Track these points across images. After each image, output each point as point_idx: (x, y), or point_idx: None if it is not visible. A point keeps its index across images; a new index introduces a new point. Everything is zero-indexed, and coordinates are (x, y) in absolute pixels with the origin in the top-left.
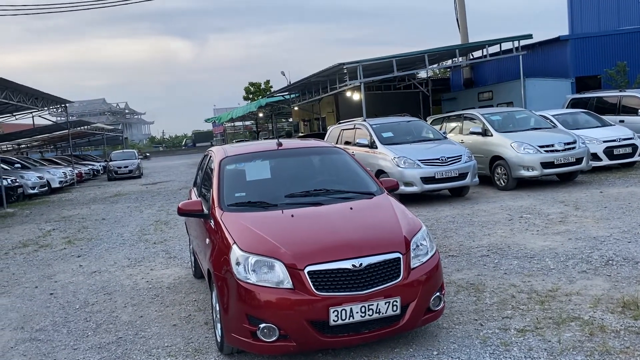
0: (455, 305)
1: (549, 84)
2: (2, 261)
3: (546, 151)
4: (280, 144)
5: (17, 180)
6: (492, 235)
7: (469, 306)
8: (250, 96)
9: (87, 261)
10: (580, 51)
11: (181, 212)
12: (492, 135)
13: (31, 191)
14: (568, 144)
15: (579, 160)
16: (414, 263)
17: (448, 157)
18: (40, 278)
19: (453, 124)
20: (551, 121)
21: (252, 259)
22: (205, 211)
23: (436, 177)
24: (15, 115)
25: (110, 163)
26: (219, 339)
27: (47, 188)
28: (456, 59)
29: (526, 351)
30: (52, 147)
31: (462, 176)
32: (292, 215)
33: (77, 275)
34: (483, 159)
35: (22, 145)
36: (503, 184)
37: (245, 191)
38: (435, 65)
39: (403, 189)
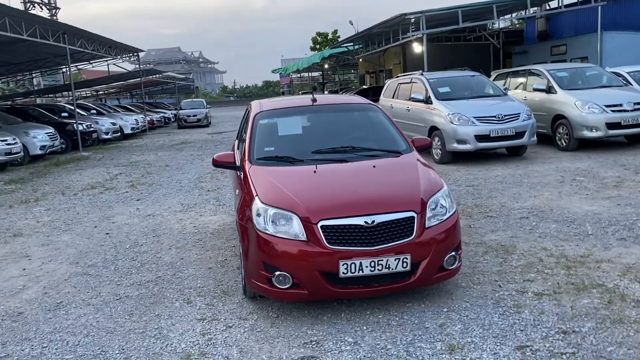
0: (480, 265)
1: (631, 38)
2: (70, 201)
3: (613, 111)
4: (314, 100)
5: (92, 126)
6: (537, 197)
7: (493, 267)
8: (318, 46)
9: (144, 205)
10: None
11: (215, 163)
12: (556, 92)
13: (105, 136)
14: (639, 103)
15: None
16: (430, 222)
17: (505, 115)
18: (100, 218)
19: (518, 80)
20: (625, 78)
21: (271, 211)
22: (238, 164)
23: (491, 135)
24: (92, 63)
25: (180, 112)
26: (243, 283)
27: (119, 134)
28: (528, 10)
29: (537, 314)
30: (128, 94)
31: (519, 135)
32: (315, 171)
33: (133, 217)
34: (545, 117)
35: (100, 92)
36: (564, 144)
37: (275, 146)
38: (508, 16)
39: (456, 146)
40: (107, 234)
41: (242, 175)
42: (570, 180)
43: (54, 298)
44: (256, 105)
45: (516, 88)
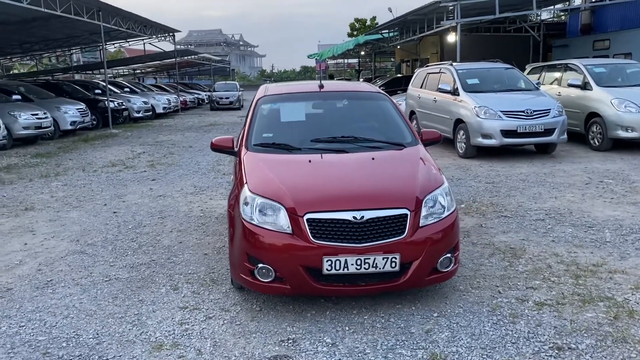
0: (483, 268)
1: None
2: (88, 177)
3: None
4: (322, 86)
5: (124, 104)
6: (558, 199)
7: (497, 271)
8: (355, 33)
9: (158, 185)
10: None
11: (213, 147)
12: (591, 89)
13: (136, 115)
14: None
15: None
16: (425, 221)
17: (534, 110)
18: (112, 197)
19: (553, 74)
20: None
21: (259, 200)
22: (236, 149)
23: (518, 130)
24: (128, 42)
25: (213, 93)
26: None
27: (151, 113)
28: (571, 1)
29: (533, 326)
30: (165, 74)
31: (548, 132)
32: (310, 161)
33: (144, 197)
34: (579, 114)
35: (137, 71)
36: (597, 144)
37: (275, 132)
38: (551, 7)
39: (480, 141)
40: (115, 212)
41: (237, 161)
42: (597, 182)
43: (46, 275)
44: (262, 90)
45: (552, 83)
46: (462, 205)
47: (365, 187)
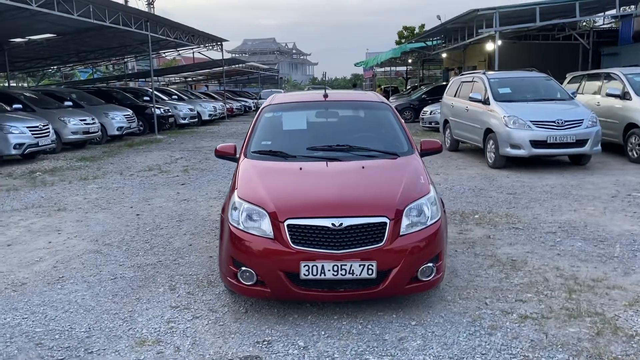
0: (478, 279)
1: None
2: (124, 181)
3: None
4: (326, 95)
5: (170, 111)
6: (577, 212)
7: (491, 283)
8: (403, 41)
9: (186, 189)
10: None
11: (217, 154)
12: (631, 98)
13: (182, 121)
14: None
15: None
16: (406, 229)
17: (566, 121)
18: (139, 200)
19: (594, 83)
20: None
21: (245, 206)
22: (237, 155)
23: (548, 141)
24: (178, 51)
25: (259, 101)
26: None
27: (197, 119)
28: (617, 8)
29: (509, 339)
30: (216, 82)
31: (580, 143)
32: (301, 169)
33: (169, 201)
34: (617, 125)
35: (189, 79)
36: (636, 155)
37: (273, 140)
38: (600, 15)
39: (509, 151)
40: (138, 215)
41: (236, 167)
42: (624, 195)
43: (60, 272)
44: (269, 99)
45: (594, 93)
46: (477, 216)
47: (347, 195)
